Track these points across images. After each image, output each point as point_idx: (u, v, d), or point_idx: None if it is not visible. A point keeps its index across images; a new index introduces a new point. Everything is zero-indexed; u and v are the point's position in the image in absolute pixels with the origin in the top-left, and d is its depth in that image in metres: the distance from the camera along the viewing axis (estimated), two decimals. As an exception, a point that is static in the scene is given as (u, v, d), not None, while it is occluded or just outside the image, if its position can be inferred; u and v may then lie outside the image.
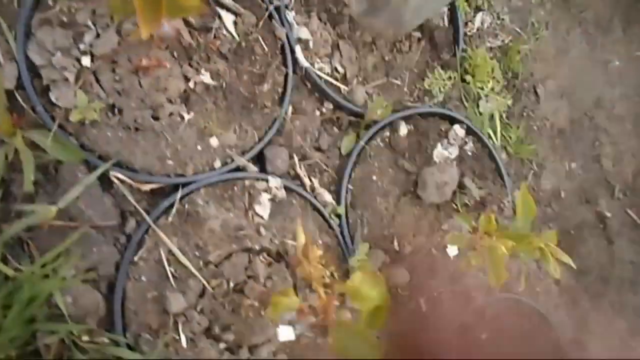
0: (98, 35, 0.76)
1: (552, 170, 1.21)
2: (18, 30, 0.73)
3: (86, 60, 0.75)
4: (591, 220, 1.25)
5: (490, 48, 1.14)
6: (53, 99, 0.73)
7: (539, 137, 1.21)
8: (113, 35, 0.76)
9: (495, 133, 1.06)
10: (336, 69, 0.91)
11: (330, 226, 0.87)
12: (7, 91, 0.72)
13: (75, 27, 0.75)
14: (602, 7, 1.40)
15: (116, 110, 0.75)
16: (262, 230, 0.81)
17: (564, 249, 1.15)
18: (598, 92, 1.33)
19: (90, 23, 0.76)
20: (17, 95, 0.73)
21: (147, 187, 0.76)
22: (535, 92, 1.22)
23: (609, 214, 1.26)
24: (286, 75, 0.86)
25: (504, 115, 1.11)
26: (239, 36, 0.83)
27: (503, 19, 1.20)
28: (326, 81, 0.89)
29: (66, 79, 0.73)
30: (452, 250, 0.92)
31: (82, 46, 0.75)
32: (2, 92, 0.68)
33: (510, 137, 1.10)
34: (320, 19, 0.90)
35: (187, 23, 0.81)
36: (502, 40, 1.17)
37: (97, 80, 0.75)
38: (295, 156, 0.87)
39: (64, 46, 0.74)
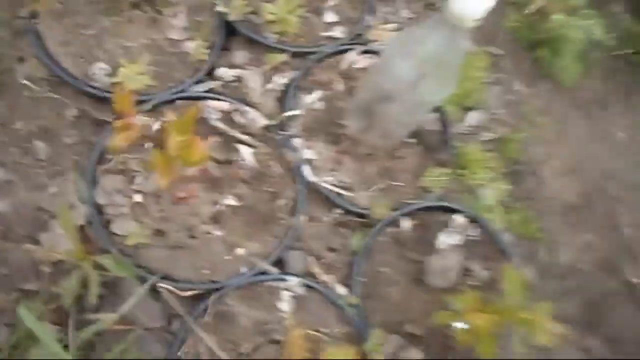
0: (146, 178, 1.01)
1: (567, 244, 1.30)
2: (87, 179, 0.99)
3: (138, 197, 1.00)
4: (617, 289, 1.30)
5: (486, 142, 1.31)
6: (114, 230, 0.97)
7: (548, 215, 1.32)
8: (156, 177, 1.01)
9: (495, 217, 1.20)
10: (341, 180, 1.11)
11: (346, 316, 1.02)
12: (79, 227, 0.98)
13: (129, 173, 1.01)
14: (597, 85, 1.54)
15: (161, 234, 0.98)
16: (286, 323, 0.97)
17: (591, 320, 1.23)
18: (606, 165, 1.43)
19: (139, 169, 1.01)
20: (86, 229, 0.98)
21: (187, 294, 0.96)
22: (538, 175, 1.36)
23: (636, 280, 1.32)
24: (298, 190, 1.07)
25: (505, 200, 1.25)
26: (256, 164, 1.06)
27: (495, 114, 1.38)
28: (333, 191, 1.09)
29: (123, 213, 0.98)
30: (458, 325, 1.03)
31: (134, 187, 1.00)
32: (76, 228, 0.92)
33: (513, 219, 1.23)
34: (322, 141, 1.12)
35: (214, 159, 1.05)
36: (497, 133, 1.34)
37: (146, 212, 0.99)
38: (311, 257, 1.06)
39: (121, 188, 0.99)
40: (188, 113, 0.73)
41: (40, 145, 1.02)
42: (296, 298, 1.01)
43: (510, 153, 1.32)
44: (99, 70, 1.04)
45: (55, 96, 1.05)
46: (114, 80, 1.04)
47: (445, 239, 1.13)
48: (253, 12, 1.17)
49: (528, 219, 1.27)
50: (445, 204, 1.16)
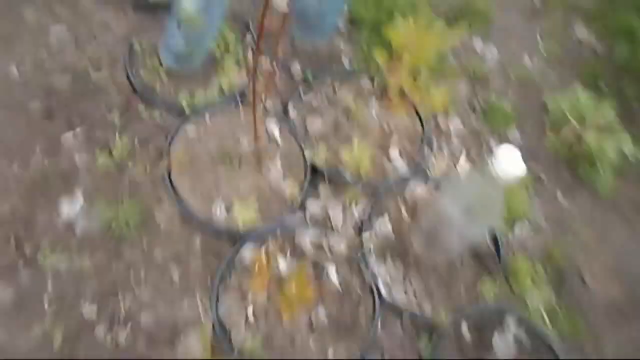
0: (255, 295, 1.30)
1: (613, 342, 1.48)
2: (211, 298, 1.30)
3: (250, 311, 1.29)
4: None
5: (531, 250, 1.54)
6: (232, 337, 1.26)
7: (592, 315, 1.52)
8: (264, 293, 1.30)
9: (544, 321, 1.41)
10: (408, 292, 1.37)
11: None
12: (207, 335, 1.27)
13: (243, 293, 1.31)
14: (633, 192, 1.77)
15: (269, 341, 1.26)
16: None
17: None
18: (646, 266, 1.64)
19: (251, 288, 1.31)
20: (212, 337, 1.28)
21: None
22: (582, 279, 1.57)
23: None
24: (374, 303, 1.34)
25: (551, 303, 1.46)
26: (339, 280, 1.34)
27: (539, 225, 1.62)
28: (402, 301, 1.35)
29: (239, 324, 1.27)
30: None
31: (247, 304, 1.30)
32: (206, 338, 1.22)
33: (559, 322, 1.44)
34: (392, 260, 1.40)
35: (307, 277, 1.34)
36: (541, 243, 1.57)
37: (257, 324, 1.27)
38: (386, 355, 1.31)
39: (237, 303, 1.29)
40: (300, 269, 1.03)
41: (174, 271, 1.35)
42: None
43: (554, 260, 1.55)
44: (218, 208, 1.38)
45: (185, 230, 1.38)
46: (230, 216, 1.37)
47: (501, 341, 1.36)
48: (334, 157, 1.50)
49: (573, 319, 1.47)
50: (497, 307, 1.39)
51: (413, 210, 1.48)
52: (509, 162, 1.10)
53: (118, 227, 1.36)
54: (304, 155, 1.49)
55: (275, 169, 1.46)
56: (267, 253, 1.35)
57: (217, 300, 1.30)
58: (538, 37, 2.02)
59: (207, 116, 1.52)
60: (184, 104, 1.52)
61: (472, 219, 1.24)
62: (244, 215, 1.37)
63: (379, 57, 1.46)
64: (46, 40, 1.64)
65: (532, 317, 1.41)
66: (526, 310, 1.42)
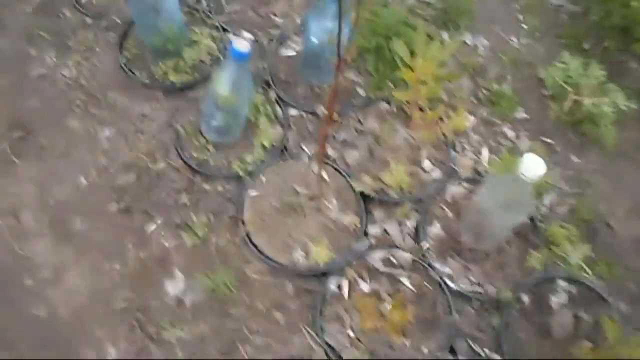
0: (351, 319, 1.59)
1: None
2: (316, 330, 1.58)
3: (350, 332, 1.58)
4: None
5: (562, 215, 1.81)
6: (343, 357, 1.55)
7: (624, 254, 1.79)
8: (357, 316, 1.58)
9: (587, 272, 1.70)
10: (472, 281, 1.65)
11: (506, 374, 1.55)
12: (323, 362, 1.56)
13: (340, 319, 1.59)
14: (634, 135, 2.02)
15: (372, 352, 1.55)
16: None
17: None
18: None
19: (344, 314, 1.59)
20: (326, 362, 1.57)
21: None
22: (609, 225, 1.85)
23: None
24: (447, 297, 1.62)
25: (590, 256, 1.74)
26: (414, 288, 1.62)
27: (563, 189, 1.88)
28: (469, 290, 1.64)
29: (345, 346, 1.55)
30: (588, 364, 1.54)
31: (347, 327, 1.58)
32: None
33: (599, 269, 1.72)
34: (451, 257, 1.67)
35: (387, 293, 1.62)
36: (569, 203, 1.84)
37: (359, 342, 1.56)
38: (469, 340, 1.60)
39: (339, 328, 1.57)
40: (398, 298, 1.30)
41: (278, 315, 1.63)
42: (470, 371, 1.56)
43: (583, 216, 1.82)
44: (298, 255, 1.65)
45: (276, 280, 1.66)
46: (309, 258, 1.64)
47: (557, 300, 1.65)
48: (377, 182, 1.76)
49: (609, 264, 1.75)
50: (548, 275, 1.68)
51: (456, 210, 1.75)
52: (533, 166, 1.36)
53: (220, 291, 1.63)
54: (352, 187, 1.75)
55: (333, 206, 1.73)
56: (349, 281, 1.64)
57: (322, 330, 1.58)
58: (519, 15, 2.25)
59: (262, 177, 1.77)
60: (239, 170, 1.77)
61: (509, 212, 1.51)
62: (321, 254, 1.64)
63: (396, 94, 1.70)
64: (100, 145, 1.88)
65: (576, 273, 1.70)
66: (570, 268, 1.70)
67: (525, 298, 1.65)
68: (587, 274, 1.71)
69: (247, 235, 1.69)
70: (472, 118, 1.95)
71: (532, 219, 1.75)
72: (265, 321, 1.63)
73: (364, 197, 1.75)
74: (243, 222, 1.70)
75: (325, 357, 1.56)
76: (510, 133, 1.95)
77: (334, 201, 1.74)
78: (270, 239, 1.68)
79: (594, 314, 1.63)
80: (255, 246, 1.67)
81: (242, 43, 1.55)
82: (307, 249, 1.66)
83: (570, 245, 1.73)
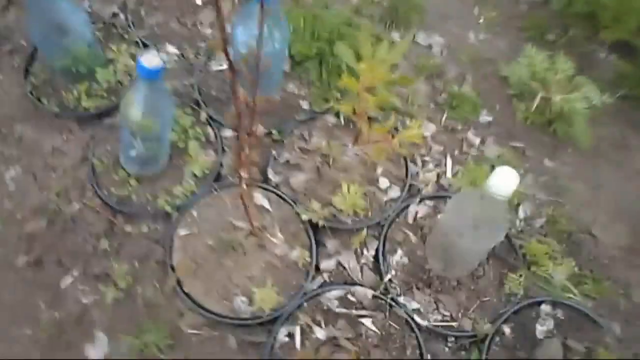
0: (307, 374, 1.35)
1: (638, 285, 1.59)
2: (267, 391, 1.34)
3: (307, 391, 1.34)
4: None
5: (540, 228, 1.61)
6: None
7: (612, 266, 1.60)
8: (315, 370, 1.35)
9: (573, 293, 1.49)
10: (444, 315, 1.43)
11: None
12: None
13: (294, 375, 1.35)
14: (609, 131, 1.85)
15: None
16: None
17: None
18: (645, 198, 1.73)
19: (300, 368, 1.35)
20: None
21: None
22: (592, 235, 1.65)
23: None
24: (417, 337, 1.39)
25: (575, 273, 1.54)
26: (378, 330, 1.39)
27: (539, 198, 1.68)
28: (442, 326, 1.41)
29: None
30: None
31: (301, 384, 1.34)
32: None
33: (586, 286, 1.52)
34: (418, 288, 1.45)
35: (347, 338, 1.39)
36: (547, 214, 1.64)
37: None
38: (446, 386, 1.38)
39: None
40: (359, 344, 1.07)
41: (221, 377, 1.38)
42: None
43: (562, 227, 1.62)
44: (240, 302, 1.40)
45: (216, 334, 1.41)
46: (254, 305, 1.40)
47: (542, 328, 1.44)
48: (328, 207, 1.53)
49: (597, 280, 1.56)
50: (530, 300, 1.47)
51: (421, 233, 1.53)
52: (505, 181, 1.14)
53: (150, 352, 1.38)
54: (299, 216, 1.52)
55: (278, 240, 1.49)
56: (301, 328, 1.40)
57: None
58: (474, 9, 2.06)
59: (193, 212, 1.53)
60: (166, 206, 1.53)
61: (480, 233, 1.29)
62: (266, 299, 1.39)
63: (341, 106, 1.48)
64: (4, 188, 1.61)
65: (561, 294, 1.49)
66: (554, 290, 1.50)
67: (507, 329, 1.43)
68: (574, 294, 1.50)
69: (178, 282, 1.43)
70: (431, 126, 1.74)
71: (507, 236, 1.55)
72: (209, 386, 1.39)
73: (314, 226, 1.52)
74: (172, 268, 1.45)
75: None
76: (475, 139, 1.74)
77: (279, 234, 1.50)
78: (205, 285, 1.43)
79: (585, 341, 1.42)
80: (188, 295, 1.42)
81: (151, 59, 1.30)
82: (250, 293, 1.41)
83: (552, 262, 1.53)
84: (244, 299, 1.41)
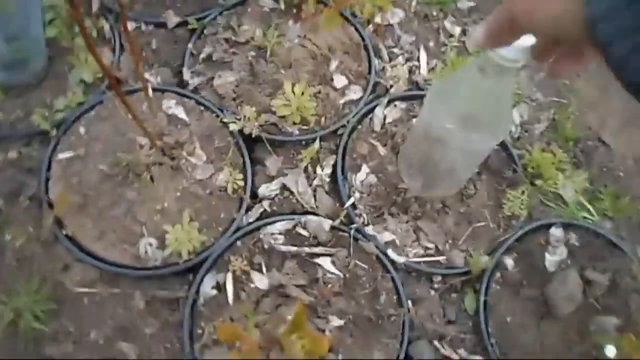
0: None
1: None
2: (189, 365, 0.96)
3: (245, 360, 0.97)
4: None
5: (542, 133, 1.27)
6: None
7: (628, 179, 1.28)
8: (254, 331, 0.98)
9: (588, 211, 1.17)
10: (427, 247, 1.07)
11: (494, 384, 1.00)
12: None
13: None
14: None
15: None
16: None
17: None
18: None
19: (234, 330, 0.98)
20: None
21: None
22: (602, 142, 1.32)
23: None
24: (392, 278, 1.04)
25: (589, 186, 1.21)
26: (341, 271, 1.03)
27: (537, 99, 1.34)
28: (425, 262, 1.06)
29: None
30: (610, 351, 1.01)
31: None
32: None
33: (603, 203, 1.20)
34: (392, 215, 1.08)
35: (299, 286, 1.02)
36: (548, 118, 1.30)
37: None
38: (434, 341, 1.03)
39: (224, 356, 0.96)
40: (297, 313, 0.70)
41: (125, 347, 0.99)
42: (439, 389, 0.99)
43: (569, 133, 1.28)
44: (147, 247, 1.00)
45: (116, 290, 1.01)
46: (166, 250, 1.00)
47: (553, 258, 1.11)
48: (266, 114, 1.13)
49: (614, 194, 1.23)
50: (536, 223, 1.13)
51: (392, 143, 1.15)
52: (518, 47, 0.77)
53: (26, 323, 0.97)
54: (227, 127, 1.12)
55: (199, 161, 1.09)
56: (234, 275, 1.02)
57: (197, 364, 0.97)
58: None
59: (80, 128, 1.11)
60: (43, 123, 1.10)
61: (472, 130, 0.92)
62: (184, 240, 1.00)
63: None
64: None
65: (575, 213, 1.16)
66: (567, 208, 1.16)
67: (509, 262, 1.09)
68: (590, 213, 1.17)
69: (59, 223, 1.02)
70: (398, 11, 1.34)
71: (502, 144, 1.20)
72: (108, 360, 1.00)
73: (247, 139, 1.12)
74: (50, 204, 1.04)
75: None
76: (455, 28, 1.36)
77: (200, 152, 1.10)
78: (97, 225, 1.02)
79: (608, 271, 1.10)
80: (73, 241, 1.01)
81: None
82: (161, 233, 1.02)
83: (563, 176, 1.18)
84: (152, 241, 1.01)
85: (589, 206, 1.17)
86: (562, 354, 1.03)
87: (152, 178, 1.05)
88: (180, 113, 1.12)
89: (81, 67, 1.18)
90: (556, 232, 1.12)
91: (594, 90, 1.38)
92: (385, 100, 1.17)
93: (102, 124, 1.12)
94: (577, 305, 1.05)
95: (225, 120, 1.11)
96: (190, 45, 1.20)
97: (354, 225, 1.05)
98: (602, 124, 1.34)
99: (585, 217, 1.16)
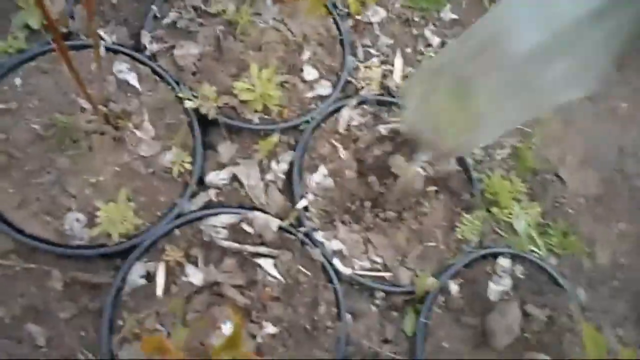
0: (169, 334, 0.90)
1: (602, 243, 1.28)
2: (103, 357, 0.87)
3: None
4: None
5: (503, 159, 1.24)
6: (151, 406, 0.87)
7: (578, 217, 1.29)
8: (181, 330, 0.90)
9: (537, 245, 1.16)
10: (375, 261, 1.03)
11: (422, 410, 0.97)
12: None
13: (148, 334, 0.89)
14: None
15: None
16: None
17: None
18: (617, 142, 1.41)
19: (159, 326, 0.90)
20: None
21: None
22: (559, 177, 1.32)
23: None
24: (335, 290, 0.98)
25: (541, 220, 1.20)
26: (282, 275, 0.96)
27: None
28: (370, 276, 1.01)
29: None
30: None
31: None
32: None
33: (552, 238, 1.19)
34: (343, 222, 1.03)
35: (235, 286, 0.95)
36: (511, 145, 1.27)
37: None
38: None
39: (144, 356, 0.88)
40: (235, 332, 0.63)
41: (34, 329, 0.88)
42: (366, 411, 0.95)
43: (529, 163, 1.26)
44: (74, 223, 0.90)
45: (32, 266, 0.91)
46: (95, 229, 0.91)
47: (497, 288, 1.09)
48: (227, 96, 1.04)
49: (564, 233, 1.23)
50: (486, 251, 1.10)
51: (355, 149, 1.09)
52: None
53: None
54: (182, 103, 1.03)
55: (145, 136, 0.99)
56: (167, 265, 0.94)
57: (113, 358, 0.88)
58: None
59: (16, 79, 0.98)
60: (-28, 67, 0.97)
61: (564, 59, 0.69)
62: (117, 220, 0.91)
63: None
64: None
65: (524, 246, 1.14)
66: (517, 239, 1.15)
67: (454, 286, 1.06)
68: (538, 247, 1.16)
69: (-24, 184, 0.91)
70: (380, 10, 1.28)
71: (463, 164, 1.16)
72: (13, 341, 0.88)
73: (202, 120, 1.03)
74: (-31, 162, 0.92)
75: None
76: (434, 38, 1.31)
77: (147, 125, 1.00)
78: (20, 192, 0.90)
79: (547, 307, 1.09)
80: (-9, 206, 0.91)
81: None
82: (92, 209, 0.92)
83: (518, 206, 1.16)
84: (80, 216, 0.91)
85: (538, 240, 1.16)
86: (491, 385, 1.02)
87: (90, 147, 0.95)
88: (132, 80, 1.02)
89: (29, 10, 1.05)
90: (504, 262, 1.10)
91: (559, 123, 1.37)
92: (354, 101, 1.11)
93: (42, 77, 0.99)
94: (513, 338, 1.04)
95: (180, 95, 1.01)
96: (154, 7, 1.09)
97: (303, 229, 0.99)
98: (562, 159, 1.34)
99: (533, 251, 1.15)
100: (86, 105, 0.96)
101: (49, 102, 0.97)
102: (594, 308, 1.19)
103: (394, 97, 1.17)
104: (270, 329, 0.93)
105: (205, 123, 1.03)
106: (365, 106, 1.13)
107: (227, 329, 0.89)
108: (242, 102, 1.04)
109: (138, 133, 0.98)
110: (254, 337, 0.92)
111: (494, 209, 1.13)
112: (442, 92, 0.84)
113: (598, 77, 0.69)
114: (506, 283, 1.10)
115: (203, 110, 1.00)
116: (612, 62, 0.69)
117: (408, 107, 0.95)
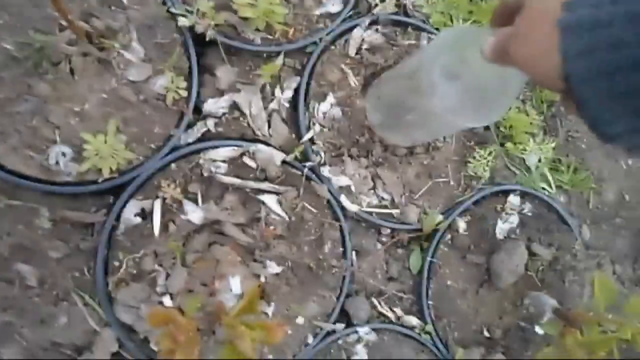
0: (168, 275, 0.83)
1: (610, 179, 1.21)
2: (100, 298, 0.81)
3: (167, 300, 0.83)
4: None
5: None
6: (153, 346, 0.82)
7: (589, 153, 1.21)
8: (181, 271, 0.83)
9: (548, 182, 1.09)
10: (383, 198, 0.95)
11: (423, 344, 0.95)
12: (113, 354, 0.82)
13: (147, 275, 0.83)
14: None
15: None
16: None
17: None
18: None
19: (157, 266, 0.83)
20: (122, 353, 0.83)
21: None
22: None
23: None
24: (340, 227, 0.92)
25: (553, 157, 1.12)
26: (286, 213, 0.89)
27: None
28: (377, 213, 0.94)
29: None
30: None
31: (159, 289, 0.83)
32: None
33: (562, 175, 1.12)
34: (351, 157, 0.94)
35: (237, 224, 0.87)
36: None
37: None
38: (372, 297, 0.95)
39: (144, 296, 0.82)
40: (250, 295, 0.55)
41: (24, 269, 0.81)
42: (370, 346, 0.92)
43: (544, 94, 1.15)
44: (59, 157, 0.79)
45: (17, 203, 0.81)
46: (83, 164, 0.80)
47: (503, 226, 1.03)
48: (226, 13, 0.89)
49: (575, 169, 1.16)
50: (496, 187, 1.03)
51: (366, 75, 0.97)
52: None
53: None
54: (175, 22, 0.88)
55: (134, 58, 0.86)
56: (163, 202, 0.85)
57: (110, 301, 0.82)
58: None
59: (-22, -15, 0.82)
60: None
61: (468, 99, 0.72)
62: (107, 153, 0.80)
63: None
64: None
65: (535, 183, 1.07)
66: (528, 177, 1.07)
67: (462, 224, 1.00)
68: (549, 185, 1.09)
69: (-55, 111, 0.79)
70: None
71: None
72: (3, 283, 0.81)
73: (198, 40, 0.88)
74: None
75: (117, 347, 0.83)
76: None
77: (137, 46, 0.86)
78: (-2, 121, 0.81)
79: (552, 246, 1.04)
80: (-36, 135, 0.79)
81: None
82: (78, 142, 0.81)
83: (532, 141, 1.07)
84: (65, 150, 0.80)
85: (549, 177, 1.08)
86: (493, 322, 1.00)
87: (72, 70, 0.81)
88: (116, -9, 0.86)
89: None
90: (513, 200, 1.04)
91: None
92: (367, 20, 0.96)
93: (11, -14, 0.84)
94: (518, 277, 1.00)
95: (173, 10, 0.86)
96: None
97: (309, 164, 0.89)
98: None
99: (543, 188, 1.08)
100: (64, 22, 0.81)
101: (24, 18, 0.81)
102: (596, 245, 1.15)
103: (409, 17, 1.03)
104: (273, 268, 0.87)
105: (202, 43, 0.88)
106: (378, 27, 0.98)
107: (235, 283, 0.83)
108: (243, 19, 0.89)
109: (126, 54, 0.84)
110: (257, 276, 0.87)
111: (508, 144, 1.04)
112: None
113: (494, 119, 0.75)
114: (513, 220, 1.04)
115: (199, 29, 0.86)
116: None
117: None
